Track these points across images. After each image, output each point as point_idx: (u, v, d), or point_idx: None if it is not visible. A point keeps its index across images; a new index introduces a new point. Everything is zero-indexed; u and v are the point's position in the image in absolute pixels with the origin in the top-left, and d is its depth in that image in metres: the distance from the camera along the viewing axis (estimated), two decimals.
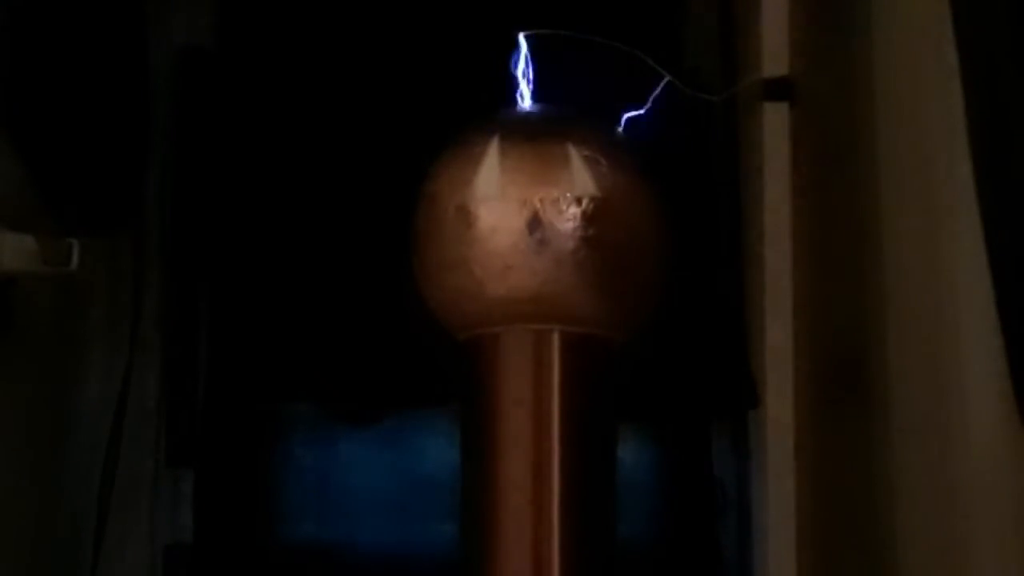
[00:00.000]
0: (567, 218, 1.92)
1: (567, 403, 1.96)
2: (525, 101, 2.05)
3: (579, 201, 1.93)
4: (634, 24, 2.29)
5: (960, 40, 1.68)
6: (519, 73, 2.05)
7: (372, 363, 2.31)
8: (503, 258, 1.93)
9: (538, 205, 1.92)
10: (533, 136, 1.97)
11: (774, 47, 2.14)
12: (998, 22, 1.62)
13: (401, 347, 2.27)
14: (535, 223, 1.92)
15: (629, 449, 2.25)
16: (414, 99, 2.33)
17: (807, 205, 2.13)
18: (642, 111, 2.06)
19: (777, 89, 2.13)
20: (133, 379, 2.28)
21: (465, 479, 2.01)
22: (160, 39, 2.35)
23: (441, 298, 2.01)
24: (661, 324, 2.08)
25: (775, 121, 2.13)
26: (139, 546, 2.31)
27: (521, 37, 2.04)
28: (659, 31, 2.35)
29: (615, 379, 2.02)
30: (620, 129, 2.05)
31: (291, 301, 2.34)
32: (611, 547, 2.00)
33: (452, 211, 1.96)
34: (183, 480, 2.34)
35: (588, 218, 1.93)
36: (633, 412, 2.22)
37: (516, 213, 1.93)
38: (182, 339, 2.36)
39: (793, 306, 2.10)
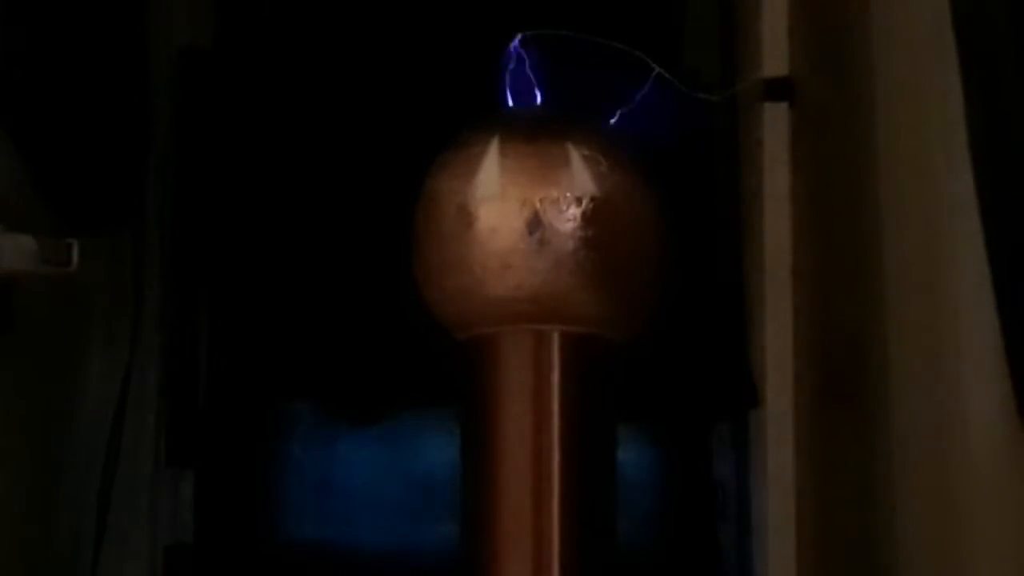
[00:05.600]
0: (567, 218, 1.92)
1: (567, 403, 1.96)
2: (525, 101, 2.05)
3: (579, 201, 1.93)
4: (634, 24, 2.29)
5: (960, 40, 1.67)
6: (519, 73, 2.05)
7: (372, 363, 2.31)
8: (503, 258, 1.93)
9: (538, 205, 1.92)
10: (533, 136, 1.97)
11: (774, 47, 2.14)
12: (998, 23, 1.62)
13: (401, 347, 2.27)
14: (535, 223, 1.92)
15: (629, 449, 2.25)
16: (414, 99, 2.33)
17: (807, 205, 2.13)
18: (641, 112, 2.06)
19: (777, 89, 2.13)
20: (133, 379, 2.27)
21: (465, 479, 2.01)
22: (160, 39, 2.35)
23: (441, 298, 2.01)
24: (661, 324, 2.08)
25: (775, 121, 2.13)
26: (139, 546, 2.31)
27: (521, 37, 2.04)
28: (659, 31, 2.35)
29: (615, 379, 2.02)
30: (620, 129, 2.05)
31: (291, 301, 2.34)
32: (611, 547, 2.00)
33: (452, 211, 1.96)
34: (183, 480, 2.34)
35: (588, 218, 1.93)
36: (633, 412, 2.22)
37: (516, 213, 1.93)
38: (182, 339, 2.36)
39: (793, 306, 2.10)
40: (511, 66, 2.05)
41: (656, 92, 2.08)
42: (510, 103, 2.06)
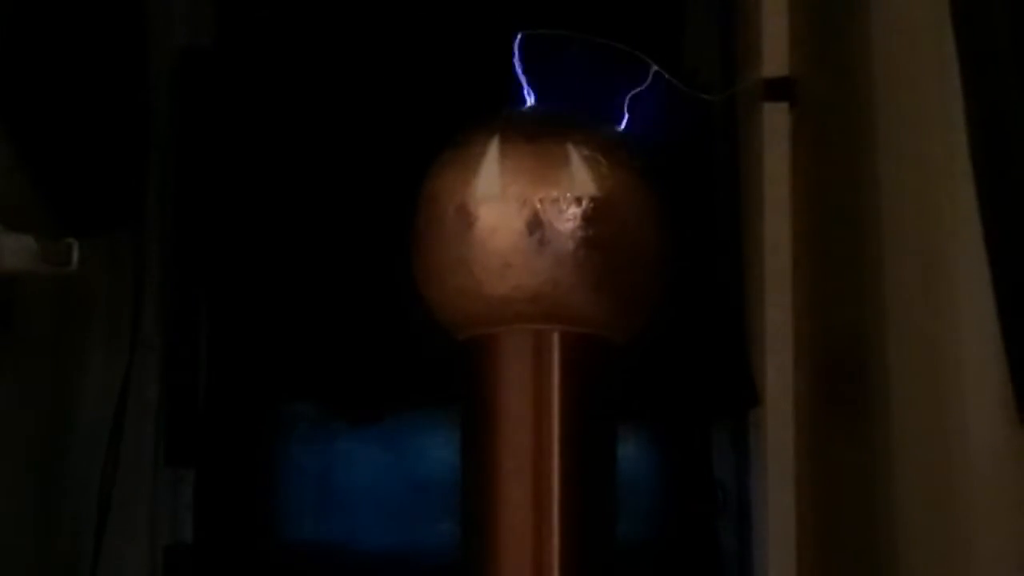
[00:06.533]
0: (567, 218, 1.92)
1: (567, 403, 1.96)
2: (525, 101, 2.05)
3: (579, 201, 1.93)
4: (634, 24, 2.29)
5: (960, 40, 1.67)
6: (519, 73, 2.05)
7: (372, 363, 2.31)
8: (503, 258, 1.93)
9: (538, 205, 1.92)
10: (533, 136, 1.97)
11: (774, 47, 2.14)
12: (998, 22, 1.62)
13: (401, 347, 2.27)
14: (535, 223, 1.92)
15: (629, 449, 2.25)
16: (415, 99, 2.33)
17: (807, 205, 2.13)
18: (642, 112, 2.06)
19: (777, 89, 2.13)
20: (133, 379, 2.28)
21: (465, 479, 2.01)
22: (160, 39, 2.35)
23: (441, 298, 2.01)
24: (661, 324, 2.08)
25: (775, 121, 2.13)
26: (139, 546, 2.31)
27: (521, 37, 2.04)
28: (659, 31, 2.35)
29: (615, 379, 2.02)
30: (620, 129, 2.05)
31: (291, 301, 2.34)
32: (611, 547, 2.00)
33: (452, 211, 1.96)
34: (183, 480, 2.35)
35: (588, 218, 1.93)
36: (633, 412, 2.22)
37: (516, 213, 1.93)
38: (182, 339, 2.36)
39: (793, 307, 2.10)
40: (512, 66, 2.05)
41: (656, 92, 2.08)
42: (511, 103, 2.06)
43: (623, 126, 2.05)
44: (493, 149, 1.96)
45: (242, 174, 2.37)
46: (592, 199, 1.93)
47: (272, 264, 2.35)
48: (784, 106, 2.13)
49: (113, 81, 2.17)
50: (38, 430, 2.18)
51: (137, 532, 2.31)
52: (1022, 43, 1.59)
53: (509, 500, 1.95)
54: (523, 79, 2.05)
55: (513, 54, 2.05)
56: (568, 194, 1.93)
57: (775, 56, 2.14)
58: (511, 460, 1.96)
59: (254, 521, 2.37)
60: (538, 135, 1.97)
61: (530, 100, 2.05)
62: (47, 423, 2.22)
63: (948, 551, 1.78)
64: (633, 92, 2.06)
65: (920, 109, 1.86)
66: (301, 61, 2.39)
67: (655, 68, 2.05)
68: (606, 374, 2.01)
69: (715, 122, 2.34)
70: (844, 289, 2.12)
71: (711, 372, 2.31)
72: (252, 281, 2.36)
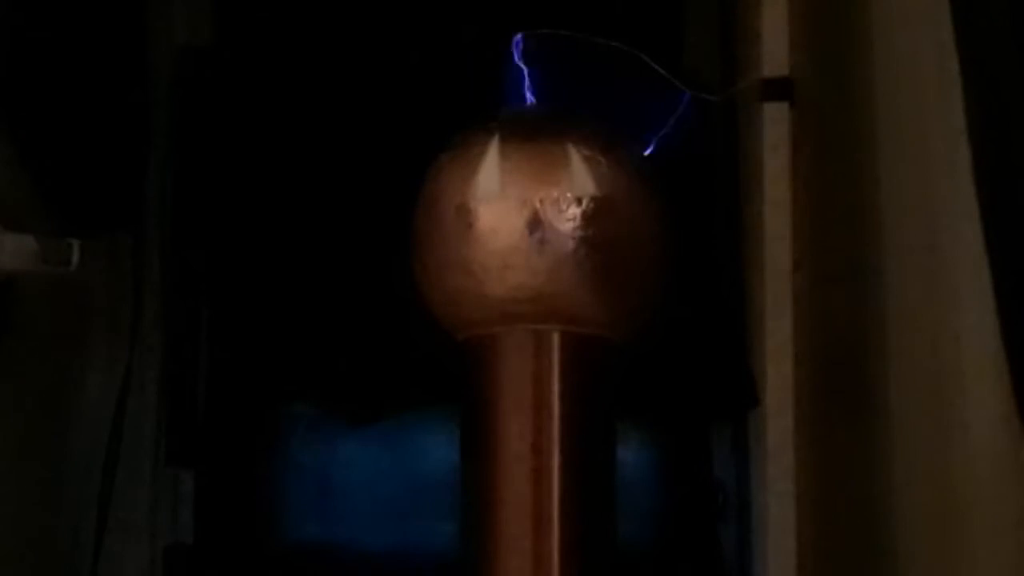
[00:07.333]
0: (567, 218, 1.92)
1: (567, 403, 1.96)
2: (524, 101, 2.05)
3: (579, 201, 1.93)
4: (634, 24, 2.30)
5: (960, 40, 1.67)
6: (519, 73, 2.05)
7: (372, 363, 2.31)
8: (503, 258, 1.93)
9: (538, 205, 1.92)
10: (533, 136, 1.97)
11: (774, 47, 2.14)
12: (998, 22, 1.62)
13: (401, 347, 2.27)
14: (535, 223, 1.92)
15: (629, 449, 2.25)
16: (414, 99, 2.33)
17: (807, 205, 2.13)
18: (642, 112, 2.06)
19: (777, 89, 2.13)
20: (133, 379, 2.28)
21: (465, 479, 2.01)
22: (160, 39, 2.36)
23: (441, 298, 2.01)
24: (661, 324, 2.08)
25: (775, 121, 2.13)
26: (139, 546, 2.31)
27: (521, 37, 2.04)
28: (659, 31, 2.35)
29: (615, 379, 2.02)
30: (620, 129, 2.05)
31: (291, 301, 2.34)
32: (611, 547, 2.00)
33: (452, 211, 1.96)
34: (183, 480, 2.35)
35: (588, 218, 1.93)
36: (633, 412, 2.22)
37: (516, 213, 1.93)
38: (182, 339, 2.36)
39: (793, 306, 2.10)
40: (512, 66, 2.05)
41: (656, 92, 2.08)
42: (510, 102, 2.06)
43: (623, 126, 2.05)
44: (493, 149, 1.96)
45: (242, 174, 2.37)
46: (592, 199, 1.93)
47: (272, 264, 2.35)
48: (784, 106, 2.13)
49: (113, 80, 2.17)
50: (38, 430, 2.18)
51: (137, 532, 2.31)
52: (1022, 43, 1.59)
53: (509, 500, 1.95)
54: (523, 79, 2.05)
55: (513, 54, 2.05)
56: (568, 194, 1.93)
57: (775, 56, 2.14)
58: (511, 460, 1.96)
59: (254, 521, 2.37)
60: (538, 135, 1.98)
61: (530, 100, 2.05)
62: (47, 423, 2.22)
63: (948, 550, 1.78)
64: (632, 92, 2.06)
65: (920, 109, 1.86)
66: (300, 60, 2.39)
67: (656, 68, 2.05)
68: (606, 374, 2.01)
69: (715, 122, 2.34)
70: (844, 289, 2.12)
71: (711, 373, 2.31)
72: (252, 281, 2.36)
